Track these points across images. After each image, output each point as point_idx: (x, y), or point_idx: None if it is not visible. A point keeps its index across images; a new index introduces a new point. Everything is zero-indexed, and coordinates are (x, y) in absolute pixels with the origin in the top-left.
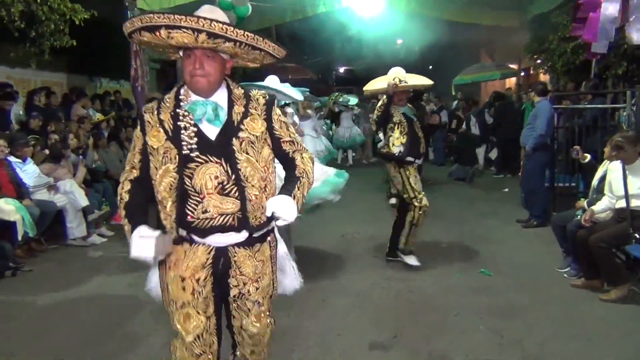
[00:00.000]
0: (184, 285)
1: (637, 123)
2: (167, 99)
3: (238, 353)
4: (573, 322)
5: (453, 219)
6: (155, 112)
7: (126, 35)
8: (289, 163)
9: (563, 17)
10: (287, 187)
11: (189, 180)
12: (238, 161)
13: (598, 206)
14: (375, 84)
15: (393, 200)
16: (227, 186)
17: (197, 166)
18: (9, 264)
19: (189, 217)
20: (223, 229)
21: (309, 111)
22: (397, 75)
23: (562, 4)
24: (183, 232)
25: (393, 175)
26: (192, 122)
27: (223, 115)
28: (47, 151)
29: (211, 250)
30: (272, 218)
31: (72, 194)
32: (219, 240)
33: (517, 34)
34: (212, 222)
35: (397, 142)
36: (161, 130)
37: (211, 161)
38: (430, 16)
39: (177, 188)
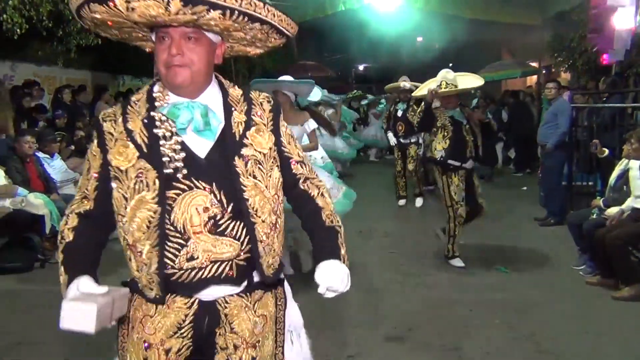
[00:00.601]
0: (147, 355)
1: None
2: (136, 101)
3: None
4: (586, 318)
5: None
6: (120, 120)
7: (75, 14)
8: (299, 195)
9: (584, 15)
10: (328, 245)
11: (168, 216)
12: (245, 188)
13: (626, 206)
14: (424, 90)
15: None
16: (222, 222)
17: (177, 194)
18: (37, 256)
19: (168, 268)
20: (216, 281)
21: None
22: (443, 78)
23: (583, 2)
24: (156, 289)
25: (437, 179)
26: (173, 129)
27: (216, 124)
28: (73, 147)
29: (193, 304)
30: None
31: None
32: (208, 293)
33: (538, 31)
34: (201, 273)
35: (439, 146)
36: (130, 144)
37: (198, 187)
38: (450, 14)
39: (158, 226)
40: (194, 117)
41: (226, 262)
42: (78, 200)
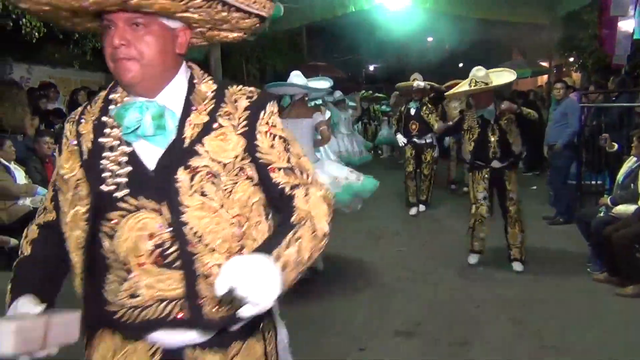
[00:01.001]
0: None
1: None
2: (96, 100)
3: None
4: (592, 314)
5: None
6: (76, 122)
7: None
8: (284, 205)
9: (594, 14)
10: (269, 242)
11: (108, 241)
12: (185, 208)
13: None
14: (456, 90)
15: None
16: (170, 251)
17: (122, 216)
18: None
19: (107, 305)
20: (164, 323)
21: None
22: (473, 77)
23: (593, 2)
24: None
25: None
26: (121, 137)
27: (172, 128)
28: None
29: (156, 351)
30: (233, 300)
31: None
32: (166, 338)
33: (548, 31)
34: (144, 313)
35: (466, 149)
36: (77, 150)
37: (145, 208)
38: (459, 14)
39: (86, 250)
40: (143, 119)
41: (174, 301)
42: (41, 210)
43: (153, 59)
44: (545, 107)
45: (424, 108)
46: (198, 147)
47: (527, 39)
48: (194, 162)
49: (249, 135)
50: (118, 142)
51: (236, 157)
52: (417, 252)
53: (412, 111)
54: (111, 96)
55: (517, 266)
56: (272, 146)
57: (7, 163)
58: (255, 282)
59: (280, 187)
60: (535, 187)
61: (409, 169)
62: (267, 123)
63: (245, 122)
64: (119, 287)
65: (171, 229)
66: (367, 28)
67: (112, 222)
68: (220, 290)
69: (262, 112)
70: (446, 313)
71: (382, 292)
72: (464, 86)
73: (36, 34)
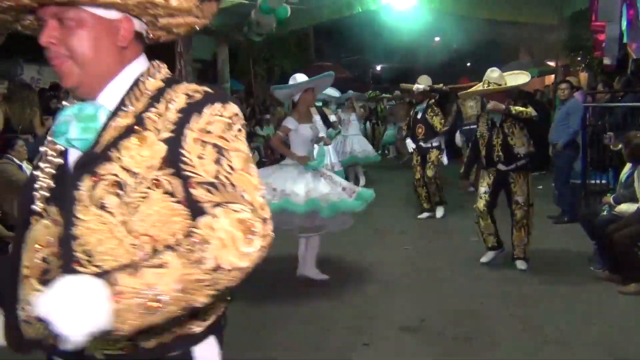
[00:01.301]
0: None
1: None
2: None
3: None
4: (594, 311)
5: None
6: None
7: None
8: (203, 226)
9: None
10: (125, 265)
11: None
12: (77, 221)
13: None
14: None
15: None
16: (53, 268)
17: (36, 221)
18: None
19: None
20: (48, 347)
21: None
22: (487, 77)
23: None
24: None
25: None
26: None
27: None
28: None
29: None
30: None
31: None
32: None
33: (555, 31)
34: (31, 330)
35: (480, 155)
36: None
37: (50, 216)
38: (466, 14)
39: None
40: (69, 122)
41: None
42: None
43: (87, 56)
44: (552, 107)
45: (429, 110)
46: (112, 153)
47: (534, 39)
48: (101, 169)
49: (174, 142)
50: (53, 150)
51: (150, 166)
52: (422, 250)
53: (419, 115)
54: (67, 101)
55: (520, 264)
56: (200, 156)
57: (20, 162)
58: (66, 309)
59: (200, 205)
60: (541, 187)
61: (417, 176)
62: (200, 129)
63: (172, 127)
64: (19, 302)
65: (58, 243)
66: (374, 28)
67: (29, 227)
68: (35, 313)
69: (196, 116)
70: (450, 309)
71: (387, 289)
72: (478, 87)
73: None
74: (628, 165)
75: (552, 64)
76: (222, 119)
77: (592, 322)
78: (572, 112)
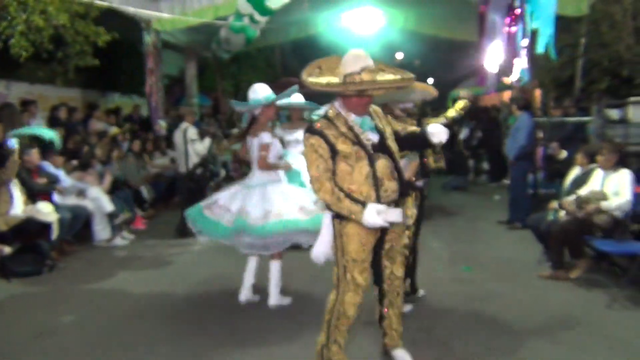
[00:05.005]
0: None
1: (601, 135)
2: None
3: None
4: (541, 305)
5: (444, 223)
6: None
7: None
8: None
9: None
10: None
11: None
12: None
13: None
14: None
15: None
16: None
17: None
18: (47, 261)
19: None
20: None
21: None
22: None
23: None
24: None
25: None
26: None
27: None
28: (75, 162)
29: None
30: None
31: (98, 200)
32: None
33: None
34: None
35: None
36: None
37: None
38: (427, 34)
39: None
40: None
41: None
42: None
43: None
44: (505, 123)
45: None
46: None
47: None
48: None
49: None
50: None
51: None
52: None
53: None
54: None
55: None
56: None
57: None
58: None
59: None
60: (498, 197)
61: None
62: None
63: None
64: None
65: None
66: (338, 45)
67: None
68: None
69: None
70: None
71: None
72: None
73: (24, 52)
74: (572, 175)
75: (509, 80)
76: None
77: (540, 314)
78: (520, 127)
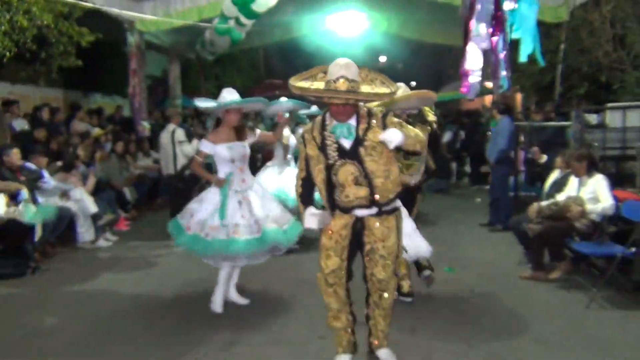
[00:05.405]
0: None
1: (580, 139)
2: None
3: None
4: (522, 305)
5: (426, 226)
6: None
7: None
8: None
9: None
10: None
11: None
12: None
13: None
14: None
15: None
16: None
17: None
18: (30, 263)
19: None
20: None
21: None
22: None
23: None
24: None
25: None
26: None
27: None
28: (59, 163)
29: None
30: None
31: (82, 201)
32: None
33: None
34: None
35: None
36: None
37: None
38: (412, 38)
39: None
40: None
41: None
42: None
43: None
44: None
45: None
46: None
47: None
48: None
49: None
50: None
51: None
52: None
53: None
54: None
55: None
56: None
57: None
58: None
59: None
60: (479, 200)
61: None
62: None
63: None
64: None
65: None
66: (321, 48)
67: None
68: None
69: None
70: (395, 306)
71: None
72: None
73: (8, 53)
74: (553, 177)
75: (490, 85)
76: None
77: (521, 312)
78: (501, 131)
